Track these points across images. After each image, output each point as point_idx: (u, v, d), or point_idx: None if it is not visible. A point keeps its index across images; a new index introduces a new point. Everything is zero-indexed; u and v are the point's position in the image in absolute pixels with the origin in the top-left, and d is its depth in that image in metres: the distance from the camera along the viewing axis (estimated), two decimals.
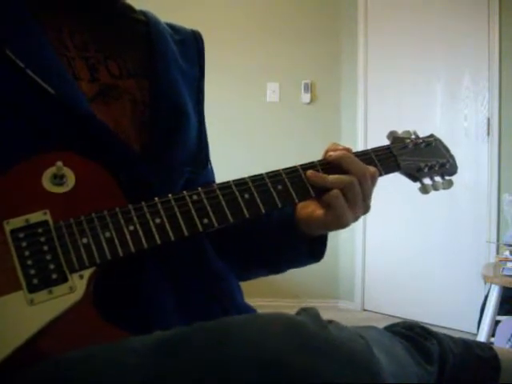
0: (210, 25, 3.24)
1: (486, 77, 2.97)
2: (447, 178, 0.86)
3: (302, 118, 3.54)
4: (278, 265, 0.83)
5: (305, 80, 3.52)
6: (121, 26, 0.78)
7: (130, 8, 0.81)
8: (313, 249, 0.78)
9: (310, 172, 0.70)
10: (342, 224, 0.71)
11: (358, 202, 0.71)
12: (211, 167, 0.88)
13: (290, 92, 3.53)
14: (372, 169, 0.73)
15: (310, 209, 0.74)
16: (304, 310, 0.57)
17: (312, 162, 0.72)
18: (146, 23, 0.80)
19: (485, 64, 2.97)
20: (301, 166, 0.71)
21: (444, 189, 0.84)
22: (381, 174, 0.77)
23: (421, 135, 0.87)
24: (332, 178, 0.70)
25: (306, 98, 3.52)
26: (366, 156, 0.76)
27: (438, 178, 0.85)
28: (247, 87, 3.53)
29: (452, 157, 0.87)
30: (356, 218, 0.72)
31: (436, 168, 0.84)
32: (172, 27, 0.84)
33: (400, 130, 0.86)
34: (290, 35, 3.51)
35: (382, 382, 0.47)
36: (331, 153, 0.73)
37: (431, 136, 0.88)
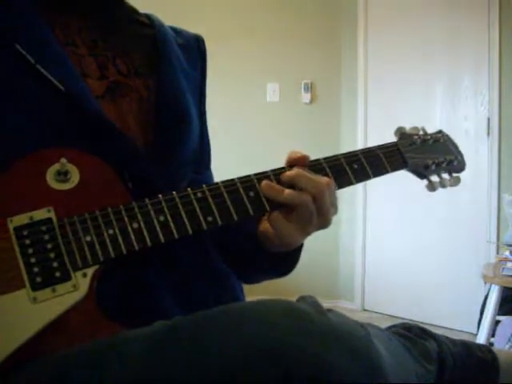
0: (211, 25, 3.24)
1: (486, 77, 2.97)
2: (455, 174, 0.84)
3: (302, 118, 3.53)
4: (249, 275, 0.80)
5: (305, 80, 3.51)
6: (127, 28, 0.78)
7: (135, 11, 0.82)
8: (276, 264, 0.74)
9: (264, 183, 0.65)
10: (285, 244, 0.68)
11: (311, 221, 0.66)
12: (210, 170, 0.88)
13: (290, 92, 3.53)
14: (327, 180, 0.67)
15: (266, 225, 0.69)
16: (303, 298, 0.57)
17: (271, 171, 0.67)
18: (150, 26, 0.81)
19: (485, 64, 2.96)
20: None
21: (451, 186, 0.83)
22: (387, 172, 0.76)
23: (429, 131, 0.85)
24: (287, 193, 0.65)
25: (306, 98, 3.52)
26: (370, 153, 0.74)
27: (445, 175, 0.83)
28: (247, 87, 3.53)
29: (460, 153, 0.86)
30: (307, 234, 0.68)
31: (444, 165, 0.83)
32: (175, 30, 0.85)
33: (407, 127, 0.83)
34: (289, 35, 3.51)
35: (380, 368, 0.47)
36: (288, 173, 0.66)
37: (439, 132, 0.86)
